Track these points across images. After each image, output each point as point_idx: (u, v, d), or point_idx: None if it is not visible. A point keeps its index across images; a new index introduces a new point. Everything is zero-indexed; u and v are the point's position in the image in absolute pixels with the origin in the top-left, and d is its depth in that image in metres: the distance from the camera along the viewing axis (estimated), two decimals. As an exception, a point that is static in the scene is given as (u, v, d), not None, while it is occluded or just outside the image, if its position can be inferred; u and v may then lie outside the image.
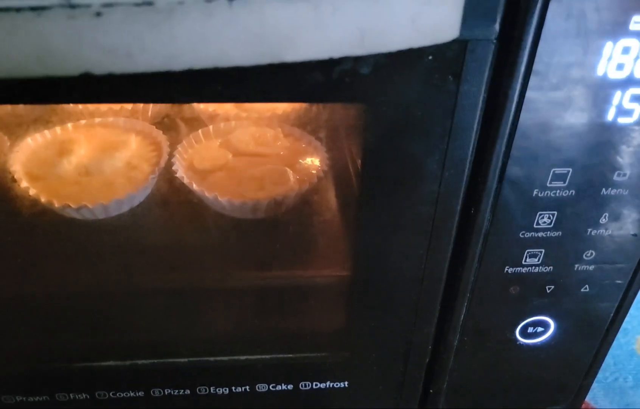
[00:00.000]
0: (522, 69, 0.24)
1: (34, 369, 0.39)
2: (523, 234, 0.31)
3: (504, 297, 0.34)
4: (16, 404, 0.39)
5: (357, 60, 0.24)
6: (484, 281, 0.33)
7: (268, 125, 0.46)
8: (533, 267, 0.32)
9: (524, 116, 0.26)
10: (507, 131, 0.26)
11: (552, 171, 0.28)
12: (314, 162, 0.43)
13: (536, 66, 0.24)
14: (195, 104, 0.48)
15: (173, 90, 0.23)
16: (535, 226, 0.30)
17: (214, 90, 0.23)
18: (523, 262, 0.32)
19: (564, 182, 0.29)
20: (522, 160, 0.28)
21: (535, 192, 0.29)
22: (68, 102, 0.34)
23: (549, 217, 0.30)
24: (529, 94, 0.25)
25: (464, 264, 0.32)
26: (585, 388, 0.42)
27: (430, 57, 0.24)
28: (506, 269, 0.33)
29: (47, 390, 0.38)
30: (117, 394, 0.39)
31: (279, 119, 0.46)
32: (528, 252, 0.32)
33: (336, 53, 0.19)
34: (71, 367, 0.38)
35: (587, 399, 0.44)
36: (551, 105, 0.25)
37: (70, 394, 0.39)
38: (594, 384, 0.42)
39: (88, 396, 0.39)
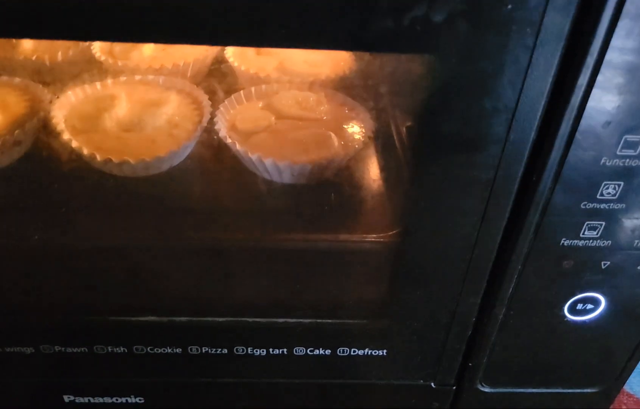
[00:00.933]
0: (607, 21, 0.23)
1: (72, 320, 0.39)
2: (585, 205, 0.30)
3: (556, 271, 0.33)
4: (55, 354, 0.39)
5: (431, 6, 0.23)
6: (537, 253, 0.32)
7: (310, 89, 0.46)
8: (591, 241, 0.31)
9: (602, 74, 0.24)
10: (582, 91, 0.25)
11: (624, 138, 0.27)
12: (358, 127, 0.42)
13: (622, 21, 0.23)
14: (236, 66, 0.47)
15: (247, 28, 0.22)
16: (598, 196, 0.29)
17: (284, 31, 0.22)
18: (581, 235, 0.31)
19: (635, 151, 0.27)
20: (594, 124, 0.26)
21: (603, 160, 0.28)
22: (135, 38, 0.33)
23: (614, 188, 0.29)
24: (610, 50, 0.23)
25: (519, 234, 0.31)
26: (627, 372, 0.41)
27: (509, 7, 0.23)
28: (562, 242, 0.31)
29: (85, 342, 0.39)
30: (155, 350, 0.39)
31: (322, 83, 0.45)
32: (587, 225, 0.31)
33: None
34: (109, 320, 0.38)
35: (622, 384, 0.43)
36: (634, 63, 0.24)
37: (108, 347, 0.39)
38: (630, 371, 0.41)
39: (126, 350, 0.39)
